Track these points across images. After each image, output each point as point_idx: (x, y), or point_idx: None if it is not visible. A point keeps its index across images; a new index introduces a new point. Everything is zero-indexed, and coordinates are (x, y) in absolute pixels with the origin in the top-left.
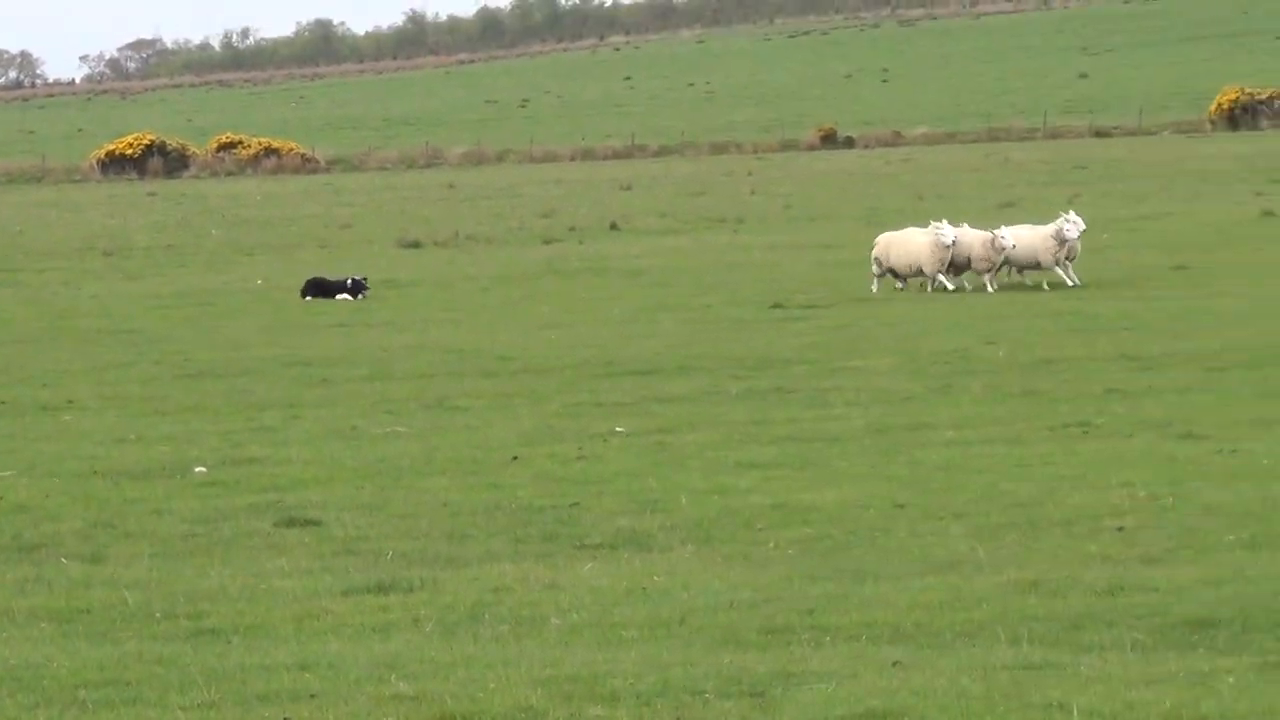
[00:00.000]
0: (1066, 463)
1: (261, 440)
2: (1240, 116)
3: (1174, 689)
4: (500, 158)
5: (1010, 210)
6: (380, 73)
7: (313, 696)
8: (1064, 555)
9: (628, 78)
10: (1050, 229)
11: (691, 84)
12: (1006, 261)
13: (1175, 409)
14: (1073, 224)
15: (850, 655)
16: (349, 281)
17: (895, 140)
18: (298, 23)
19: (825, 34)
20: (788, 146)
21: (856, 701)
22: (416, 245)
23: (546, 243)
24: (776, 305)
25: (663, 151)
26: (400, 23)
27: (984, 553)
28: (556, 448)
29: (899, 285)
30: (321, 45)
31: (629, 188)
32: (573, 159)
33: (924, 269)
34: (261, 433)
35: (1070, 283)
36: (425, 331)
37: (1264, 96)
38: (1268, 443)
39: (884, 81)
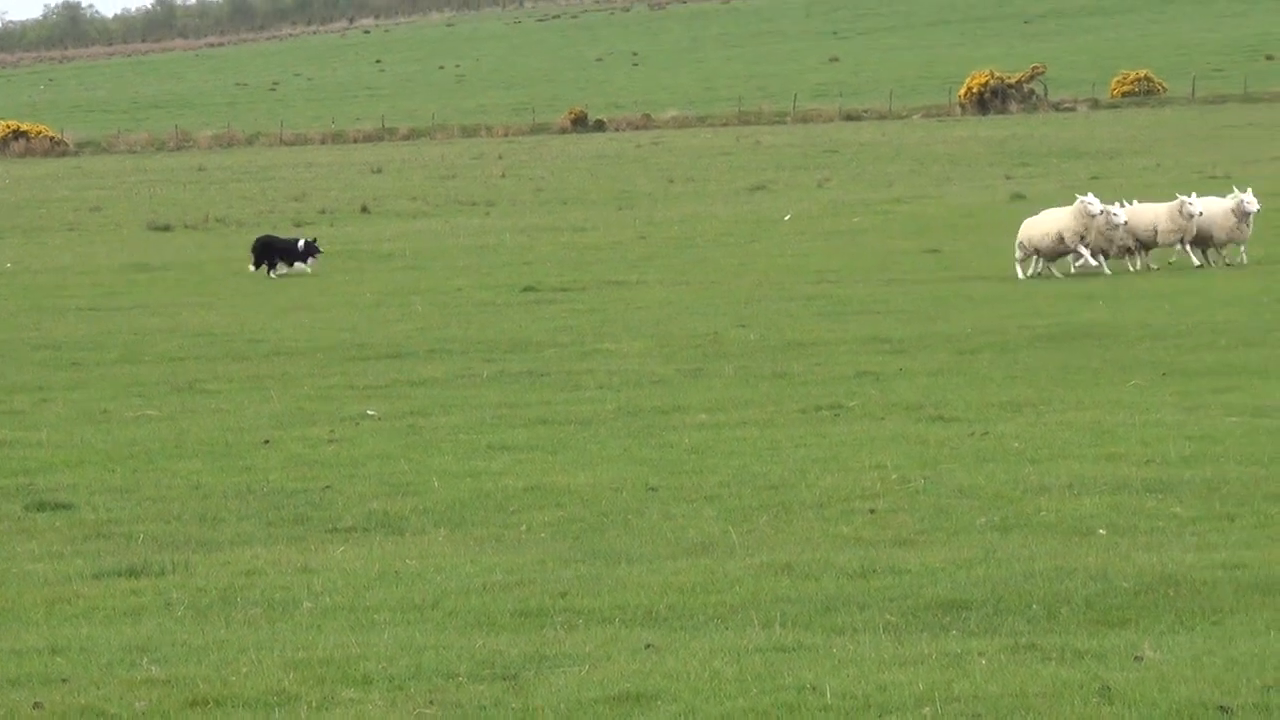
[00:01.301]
0: (818, 445)
1: (11, 423)
2: (990, 100)
3: (926, 670)
4: (250, 140)
5: (761, 193)
6: (129, 55)
7: (64, 680)
8: (816, 537)
9: (378, 61)
10: (1230, 202)
11: (442, 67)
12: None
13: (927, 391)
14: (1251, 199)
15: (603, 638)
16: (301, 244)
17: (646, 123)
18: (45, 5)
19: (575, 17)
20: (538, 130)
21: (609, 684)
22: (167, 229)
23: (298, 225)
24: (528, 288)
25: (413, 134)
26: (149, 6)
27: (736, 535)
28: (308, 431)
29: (1037, 269)
30: (69, 27)
31: (380, 171)
32: (323, 142)
33: (1065, 239)
34: (11, 416)
35: (1237, 260)
36: (176, 315)
37: (1014, 80)
38: (1018, 425)
39: (634, 65)
